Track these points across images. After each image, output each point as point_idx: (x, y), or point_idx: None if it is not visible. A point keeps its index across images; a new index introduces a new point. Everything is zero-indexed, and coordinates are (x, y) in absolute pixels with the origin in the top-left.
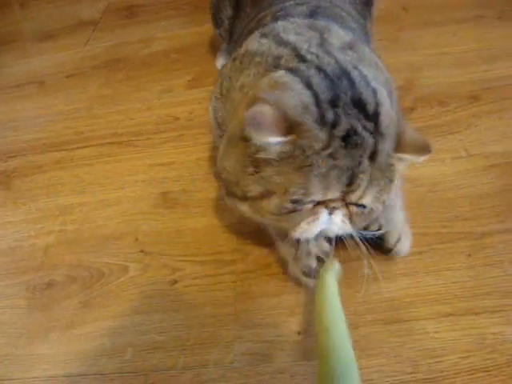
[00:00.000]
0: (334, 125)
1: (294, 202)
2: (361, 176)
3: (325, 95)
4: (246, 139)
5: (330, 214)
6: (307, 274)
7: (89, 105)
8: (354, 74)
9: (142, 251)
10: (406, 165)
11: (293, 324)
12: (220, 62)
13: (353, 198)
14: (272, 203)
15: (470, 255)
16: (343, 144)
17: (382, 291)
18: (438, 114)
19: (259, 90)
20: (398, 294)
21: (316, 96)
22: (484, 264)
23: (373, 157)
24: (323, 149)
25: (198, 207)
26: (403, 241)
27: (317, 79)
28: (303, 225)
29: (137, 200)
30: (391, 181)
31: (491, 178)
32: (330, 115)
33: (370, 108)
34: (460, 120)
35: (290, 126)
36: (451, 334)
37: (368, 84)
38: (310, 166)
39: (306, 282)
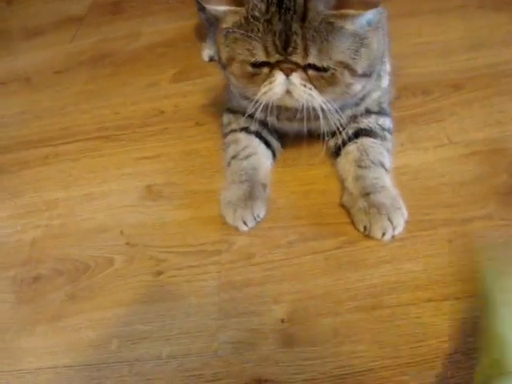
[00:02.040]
0: None
1: (251, 65)
2: (294, 38)
3: None
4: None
5: (288, 75)
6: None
7: (75, 100)
8: None
9: (128, 243)
10: (361, 24)
11: (277, 312)
12: (206, 53)
13: (296, 58)
14: (236, 67)
15: (450, 241)
16: (277, 9)
17: (364, 278)
18: (421, 102)
19: None
20: (379, 281)
21: None
22: (465, 250)
23: (304, 17)
24: (262, 16)
25: (183, 199)
26: (397, 217)
27: None
28: (263, 87)
29: (122, 193)
30: (339, 40)
31: (472, 165)
32: None
33: None
34: (443, 108)
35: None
36: (432, 318)
37: None
38: (251, 31)
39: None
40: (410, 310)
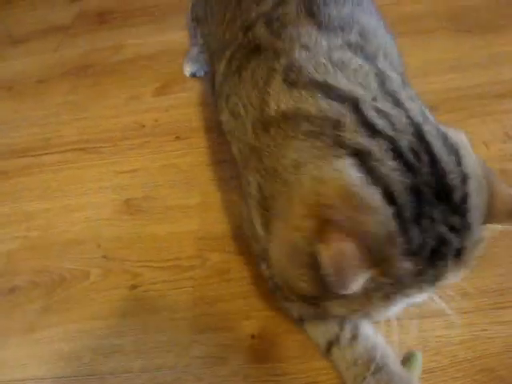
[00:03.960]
0: (420, 249)
1: None
2: (446, 275)
3: (409, 211)
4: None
5: None
6: None
7: (56, 111)
8: (430, 135)
9: (104, 257)
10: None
11: (247, 328)
12: (187, 69)
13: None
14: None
15: None
16: (429, 261)
17: None
18: None
19: (325, 199)
20: None
21: (400, 217)
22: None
23: (458, 254)
24: (408, 274)
25: (160, 214)
26: None
27: (398, 183)
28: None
29: (100, 206)
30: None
31: None
32: (416, 239)
33: (457, 194)
34: None
35: (371, 260)
36: (397, 337)
37: (447, 145)
38: (394, 292)
39: None
40: (376, 329)
